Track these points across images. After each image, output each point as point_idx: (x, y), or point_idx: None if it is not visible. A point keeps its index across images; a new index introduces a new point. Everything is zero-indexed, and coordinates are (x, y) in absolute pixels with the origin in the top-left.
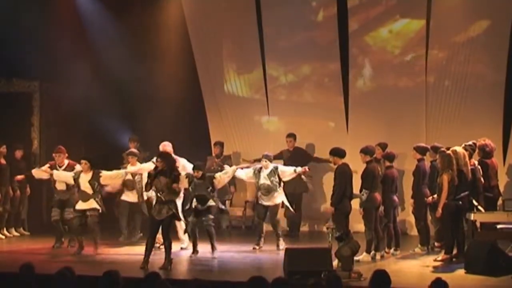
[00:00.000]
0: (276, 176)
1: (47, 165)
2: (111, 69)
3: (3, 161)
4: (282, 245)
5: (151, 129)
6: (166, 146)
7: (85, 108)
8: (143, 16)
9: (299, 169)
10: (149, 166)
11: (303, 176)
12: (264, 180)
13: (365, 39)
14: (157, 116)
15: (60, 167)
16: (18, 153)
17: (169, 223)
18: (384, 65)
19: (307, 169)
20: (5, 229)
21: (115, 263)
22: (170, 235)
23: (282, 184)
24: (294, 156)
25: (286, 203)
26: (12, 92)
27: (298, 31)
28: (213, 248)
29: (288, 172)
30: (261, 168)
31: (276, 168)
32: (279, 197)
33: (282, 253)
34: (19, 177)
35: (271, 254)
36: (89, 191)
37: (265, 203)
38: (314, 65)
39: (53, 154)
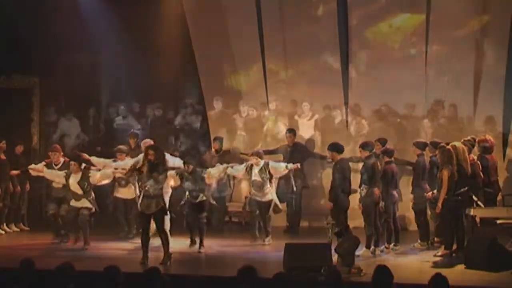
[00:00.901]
0: (267, 173)
1: (43, 162)
2: (110, 65)
3: (3, 157)
4: (270, 241)
5: (151, 125)
6: (148, 144)
7: (84, 104)
8: (143, 11)
9: (290, 165)
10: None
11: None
12: (255, 176)
13: (365, 34)
14: (156, 111)
15: (56, 165)
16: (19, 149)
17: (161, 217)
18: (384, 60)
19: (298, 166)
20: (5, 224)
21: (115, 258)
22: (165, 228)
23: (273, 180)
24: (294, 152)
25: (276, 200)
26: (12, 88)
27: (298, 26)
28: (201, 243)
29: (279, 168)
30: (252, 164)
31: (267, 164)
32: (270, 194)
33: (277, 248)
34: (15, 172)
35: (271, 249)
36: (79, 191)
37: (258, 199)
38: (314, 60)
39: (49, 153)
